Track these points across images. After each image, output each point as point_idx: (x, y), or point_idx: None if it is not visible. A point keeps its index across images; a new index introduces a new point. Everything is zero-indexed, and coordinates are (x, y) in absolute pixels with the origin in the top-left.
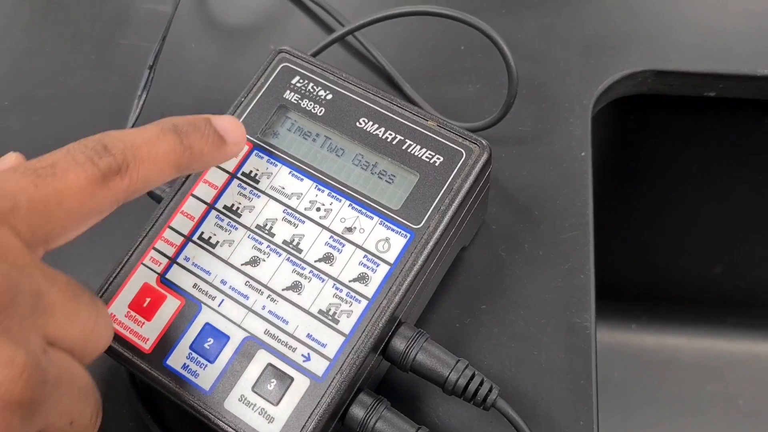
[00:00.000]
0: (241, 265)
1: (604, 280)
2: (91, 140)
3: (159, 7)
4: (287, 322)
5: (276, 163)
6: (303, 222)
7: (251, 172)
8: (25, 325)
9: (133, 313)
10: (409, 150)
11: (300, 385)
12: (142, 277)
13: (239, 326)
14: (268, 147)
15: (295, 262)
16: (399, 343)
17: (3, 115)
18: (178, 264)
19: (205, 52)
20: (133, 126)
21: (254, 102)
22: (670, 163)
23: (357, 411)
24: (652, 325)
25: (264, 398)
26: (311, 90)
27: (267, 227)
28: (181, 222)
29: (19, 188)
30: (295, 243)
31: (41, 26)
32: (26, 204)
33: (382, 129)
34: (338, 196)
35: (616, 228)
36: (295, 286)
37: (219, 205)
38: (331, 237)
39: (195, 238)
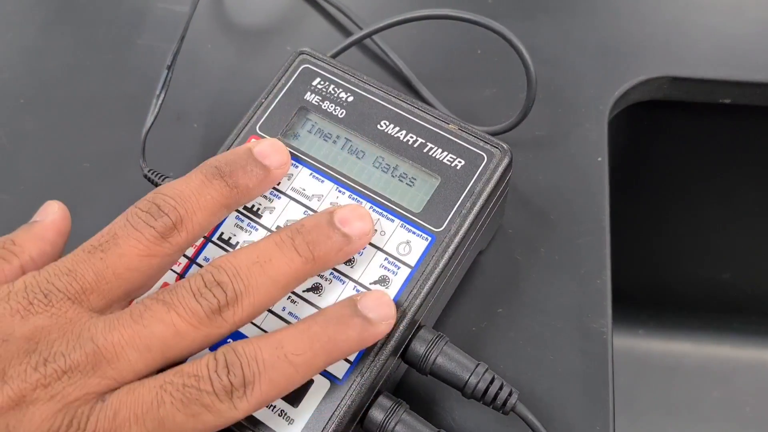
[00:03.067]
0: None
1: (611, 285)
2: (144, 203)
3: (175, 7)
4: None
5: (297, 164)
6: None
7: None
8: None
9: None
10: (430, 153)
11: (320, 387)
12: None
13: (258, 327)
14: (288, 148)
15: None
16: (419, 347)
17: (18, 114)
18: (198, 264)
19: (221, 53)
20: (150, 126)
21: (275, 103)
22: (682, 169)
23: (376, 414)
24: (659, 330)
25: (283, 400)
26: (332, 92)
27: None
28: None
29: (86, 266)
30: None
31: (57, 26)
32: (94, 277)
33: (404, 132)
34: (359, 199)
35: (624, 233)
36: (316, 288)
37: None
38: None
39: (215, 238)
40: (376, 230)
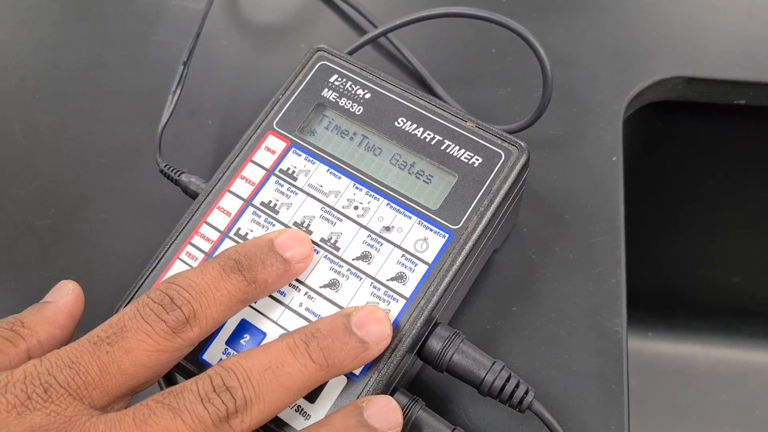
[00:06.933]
0: None
1: None
2: (158, 294)
3: (190, 4)
4: None
5: (314, 160)
6: (341, 220)
7: (289, 169)
8: None
9: None
10: (447, 150)
11: (337, 383)
12: (178, 271)
13: (276, 323)
14: (305, 144)
15: (332, 259)
16: (435, 344)
17: (34, 108)
18: None
19: (236, 50)
20: (167, 121)
21: (292, 99)
22: (695, 170)
23: None
24: (668, 333)
25: None
26: (349, 89)
27: (304, 224)
28: (217, 218)
29: (91, 360)
30: (332, 241)
31: (72, 22)
32: (98, 372)
33: (421, 129)
34: (376, 195)
35: (634, 235)
36: (333, 284)
37: (256, 202)
38: (369, 236)
39: (231, 234)
40: (393, 227)
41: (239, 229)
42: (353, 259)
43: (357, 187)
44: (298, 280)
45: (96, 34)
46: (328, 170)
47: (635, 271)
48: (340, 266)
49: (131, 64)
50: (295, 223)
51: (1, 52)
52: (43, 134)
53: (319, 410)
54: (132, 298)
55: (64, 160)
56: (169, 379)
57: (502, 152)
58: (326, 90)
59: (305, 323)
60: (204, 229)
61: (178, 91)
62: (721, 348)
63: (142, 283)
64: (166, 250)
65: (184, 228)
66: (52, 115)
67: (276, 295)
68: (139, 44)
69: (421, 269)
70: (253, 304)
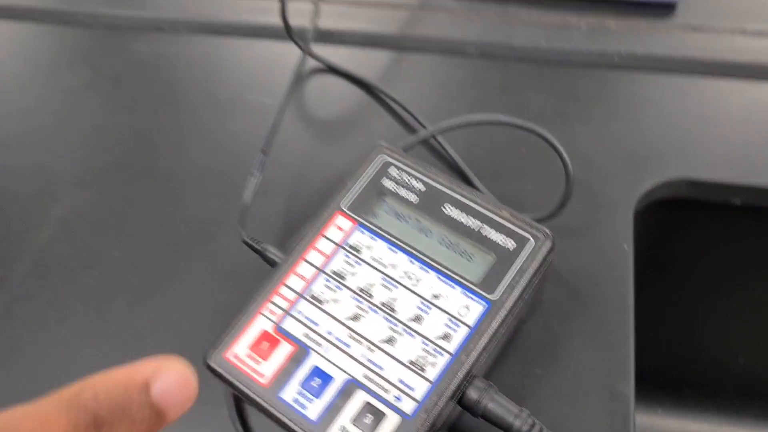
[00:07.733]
0: (345, 319)
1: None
2: None
3: (264, 99)
4: (382, 369)
5: (376, 238)
6: (397, 287)
7: (355, 244)
8: None
9: (252, 354)
10: (486, 234)
11: (392, 420)
12: (260, 324)
13: (342, 370)
14: (369, 224)
15: (390, 320)
16: (473, 393)
17: (129, 184)
18: (292, 316)
19: (302, 140)
20: (251, 200)
21: (358, 186)
22: (700, 262)
23: None
24: (676, 410)
25: (361, 430)
26: (406, 180)
27: (367, 290)
28: (294, 281)
29: None
30: (390, 304)
31: (162, 108)
32: None
33: (464, 216)
34: (427, 269)
35: (646, 317)
36: (390, 340)
37: (328, 270)
38: (421, 301)
39: (306, 295)
40: (441, 294)
41: (313, 291)
42: (407, 320)
43: (411, 262)
44: (360, 335)
45: (182, 121)
46: (388, 247)
47: (646, 350)
48: (396, 325)
49: (210, 147)
50: (360, 288)
51: (102, 135)
52: (137, 205)
53: None
54: (217, 350)
55: (156, 228)
56: (240, 415)
57: (531, 237)
58: (386, 180)
59: (367, 371)
60: (283, 290)
61: (260, 175)
62: (728, 427)
63: (230, 333)
64: (251, 306)
65: (265, 288)
66: (145, 190)
67: (342, 346)
68: (218, 131)
69: (464, 331)
70: (323, 354)
